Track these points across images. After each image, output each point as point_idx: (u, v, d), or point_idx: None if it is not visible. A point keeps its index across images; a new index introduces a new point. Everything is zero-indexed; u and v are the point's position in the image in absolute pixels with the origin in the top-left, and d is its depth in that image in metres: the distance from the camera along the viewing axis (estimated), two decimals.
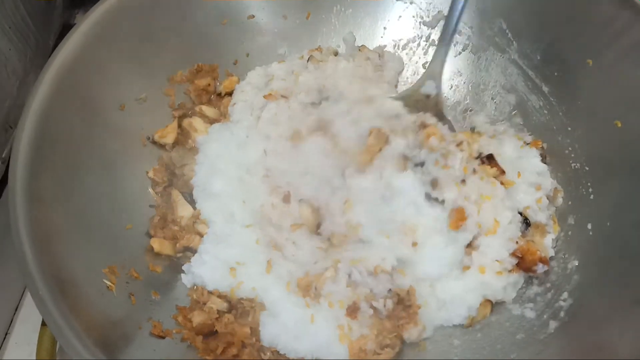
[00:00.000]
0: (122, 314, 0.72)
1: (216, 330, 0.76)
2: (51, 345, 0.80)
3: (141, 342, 0.71)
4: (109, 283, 0.73)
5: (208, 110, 0.96)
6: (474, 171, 0.85)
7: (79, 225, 0.74)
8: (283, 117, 0.91)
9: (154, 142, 0.91)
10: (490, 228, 0.81)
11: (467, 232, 0.80)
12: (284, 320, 0.76)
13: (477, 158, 0.87)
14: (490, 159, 0.86)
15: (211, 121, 0.96)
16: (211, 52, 0.97)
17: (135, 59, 0.87)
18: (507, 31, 0.95)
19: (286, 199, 0.86)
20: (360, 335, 0.75)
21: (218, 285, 0.80)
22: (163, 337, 0.74)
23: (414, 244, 0.79)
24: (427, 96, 0.95)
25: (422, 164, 0.84)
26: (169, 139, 0.92)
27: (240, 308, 0.79)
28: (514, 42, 0.95)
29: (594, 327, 0.71)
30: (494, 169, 0.85)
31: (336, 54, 1.02)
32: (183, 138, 0.93)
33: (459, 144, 0.85)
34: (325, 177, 0.85)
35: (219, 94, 0.99)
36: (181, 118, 0.94)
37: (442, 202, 0.81)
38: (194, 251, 0.83)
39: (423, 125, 0.89)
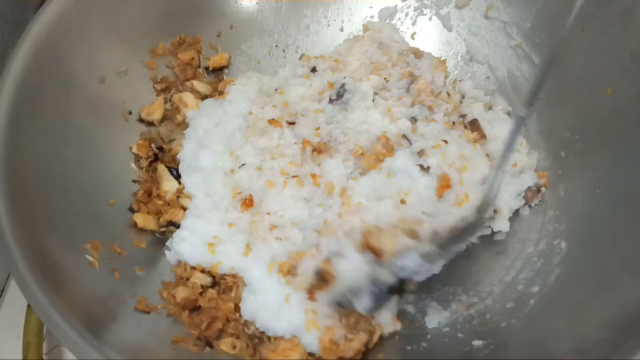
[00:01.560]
0: (106, 289, 0.71)
1: (200, 305, 0.76)
2: (38, 326, 0.80)
3: (126, 318, 0.70)
4: (91, 259, 0.72)
5: (199, 86, 0.94)
6: (454, 124, 0.86)
7: (59, 201, 0.73)
8: (286, 150, 0.85)
9: (142, 120, 0.90)
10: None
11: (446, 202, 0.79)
12: (263, 298, 0.74)
13: (460, 117, 0.88)
14: (473, 124, 0.86)
15: (202, 97, 0.94)
16: (193, 24, 0.94)
17: (115, 30, 0.85)
18: None
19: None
20: (325, 327, 0.72)
21: (199, 261, 0.79)
22: (148, 312, 0.73)
23: (402, 202, 0.77)
24: None
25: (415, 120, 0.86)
26: (157, 115, 0.90)
27: (223, 284, 0.78)
28: (503, 9, 0.93)
29: (582, 296, 0.71)
30: (475, 134, 0.86)
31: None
32: (171, 113, 0.92)
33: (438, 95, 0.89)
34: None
35: (207, 68, 0.97)
36: (165, 91, 0.92)
37: (428, 168, 0.80)
38: (178, 226, 0.82)
39: (411, 75, 0.90)
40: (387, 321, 0.76)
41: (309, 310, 0.73)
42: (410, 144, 0.83)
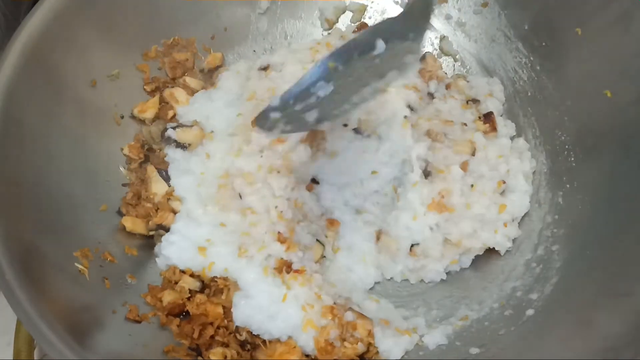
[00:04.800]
0: (96, 298, 0.70)
1: (187, 311, 0.74)
2: (29, 334, 0.78)
3: (116, 328, 0.69)
4: (81, 267, 0.70)
5: (192, 82, 0.93)
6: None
7: (48, 207, 0.72)
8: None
9: (133, 117, 0.88)
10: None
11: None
12: (257, 301, 0.73)
13: (472, 101, 0.90)
14: (487, 117, 0.87)
15: (194, 93, 0.93)
16: (187, 27, 0.93)
17: (107, 33, 0.84)
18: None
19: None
20: (321, 327, 0.72)
21: (189, 265, 0.78)
22: (139, 322, 0.72)
23: None
24: None
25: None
26: (149, 114, 0.89)
27: (213, 286, 0.77)
28: (501, 12, 0.93)
29: (582, 303, 0.70)
30: (486, 126, 0.86)
31: None
32: (163, 112, 0.90)
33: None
34: None
35: (202, 70, 0.96)
36: (155, 92, 0.91)
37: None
38: (167, 229, 0.81)
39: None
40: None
41: (306, 306, 0.72)
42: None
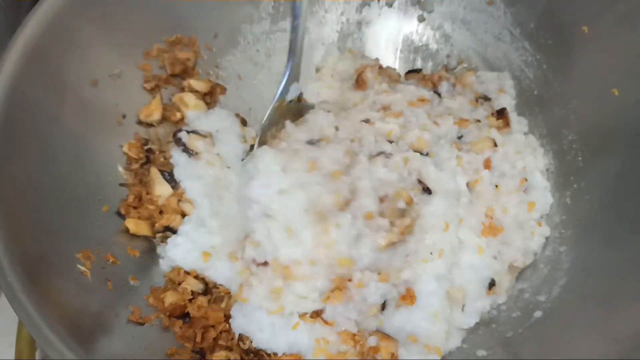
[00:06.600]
0: (98, 300, 0.70)
1: (188, 313, 0.74)
2: (31, 335, 0.78)
3: (119, 330, 0.68)
4: (83, 268, 0.70)
5: (197, 84, 0.92)
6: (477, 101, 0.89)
7: (50, 208, 0.71)
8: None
9: (141, 123, 0.88)
10: None
11: None
12: (257, 319, 0.71)
13: (483, 98, 0.89)
14: (501, 113, 0.86)
15: (201, 95, 0.92)
16: (189, 25, 0.92)
17: (108, 32, 0.83)
18: None
19: None
20: (338, 352, 0.69)
21: (193, 266, 0.77)
22: (142, 324, 0.71)
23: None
24: (296, 99, 0.91)
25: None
26: (156, 116, 0.88)
27: (215, 293, 0.76)
28: (507, 10, 0.92)
29: (591, 305, 0.69)
30: (499, 121, 0.85)
31: None
32: (167, 113, 0.90)
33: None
34: None
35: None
36: (155, 90, 0.90)
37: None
38: (174, 231, 0.80)
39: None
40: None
41: (320, 340, 0.69)
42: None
